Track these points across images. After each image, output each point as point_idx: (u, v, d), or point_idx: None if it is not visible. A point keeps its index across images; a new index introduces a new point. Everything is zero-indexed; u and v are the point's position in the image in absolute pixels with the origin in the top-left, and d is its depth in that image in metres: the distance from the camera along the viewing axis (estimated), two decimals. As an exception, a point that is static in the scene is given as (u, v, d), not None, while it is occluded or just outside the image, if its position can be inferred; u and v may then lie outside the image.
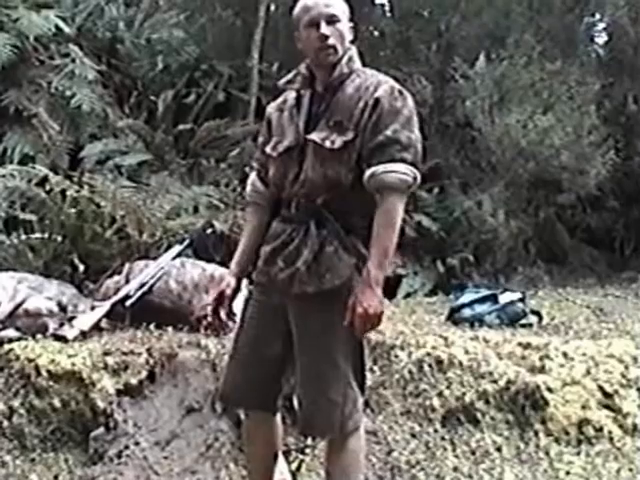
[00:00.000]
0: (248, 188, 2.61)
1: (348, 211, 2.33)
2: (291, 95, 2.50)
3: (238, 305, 2.58)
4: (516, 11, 7.42)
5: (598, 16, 8.14)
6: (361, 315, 2.22)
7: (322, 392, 2.33)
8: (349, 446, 2.41)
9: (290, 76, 2.47)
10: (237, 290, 2.53)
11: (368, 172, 2.28)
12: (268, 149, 2.47)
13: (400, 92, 2.34)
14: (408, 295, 5.88)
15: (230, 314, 2.55)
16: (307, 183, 2.34)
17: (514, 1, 7.46)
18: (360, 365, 2.41)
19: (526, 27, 7.26)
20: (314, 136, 2.35)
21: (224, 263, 3.89)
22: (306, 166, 2.35)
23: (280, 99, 2.56)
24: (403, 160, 2.27)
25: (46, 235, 4.29)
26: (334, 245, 2.30)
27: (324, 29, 2.31)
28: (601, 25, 8.28)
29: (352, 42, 2.43)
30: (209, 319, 2.85)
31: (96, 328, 3.47)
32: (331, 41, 2.32)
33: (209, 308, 2.62)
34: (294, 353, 2.40)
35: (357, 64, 2.41)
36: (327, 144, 2.31)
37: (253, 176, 2.60)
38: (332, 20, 2.33)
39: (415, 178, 2.29)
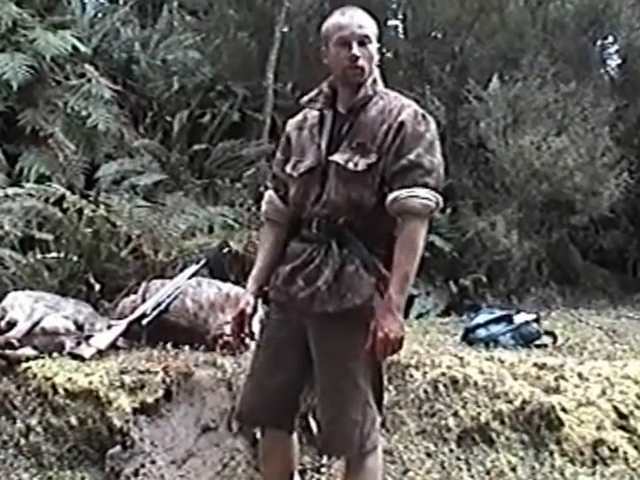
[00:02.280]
0: (265, 206, 2.60)
1: (368, 231, 2.34)
2: (311, 114, 2.50)
3: (255, 324, 2.60)
4: (530, 33, 7.41)
5: (612, 38, 8.12)
6: (382, 339, 2.24)
7: (342, 411, 2.34)
8: (367, 465, 2.41)
9: (312, 94, 2.47)
10: (256, 308, 2.53)
11: (391, 196, 2.29)
12: (288, 168, 2.47)
13: (423, 116, 2.36)
14: (420, 315, 5.86)
15: (249, 333, 2.55)
16: (329, 204, 2.35)
17: (528, 23, 7.46)
18: (379, 384, 2.42)
19: (540, 49, 7.25)
20: (337, 157, 2.35)
21: (239, 282, 3.91)
22: (328, 187, 2.36)
23: (299, 117, 2.55)
24: (425, 185, 2.29)
25: (62, 254, 4.28)
26: (355, 264, 2.31)
27: (355, 50, 2.32)
28: (615, 47, 8.27)
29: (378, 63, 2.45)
30: (228, 338, 2.87)
31: (113, 347, 3.47)
32: (360, 62, 2.33)
33: (228, 327, 2.61)
34: (314, 372, 2.41)
35: (380, 86, 2.42)
36: (350, 166, 2.33)
37: (271, 194, 2.59)
38: (364, 41, 2.34)
39: (437, 203, 2.31)
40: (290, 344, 2.44)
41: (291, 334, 2.43)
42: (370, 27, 2.37)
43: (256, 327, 2.60)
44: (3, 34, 6.10)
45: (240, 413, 2.61)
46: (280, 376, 2.44)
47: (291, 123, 2.57)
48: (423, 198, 2.28)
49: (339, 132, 2.40)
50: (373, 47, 2.37)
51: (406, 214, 2.28)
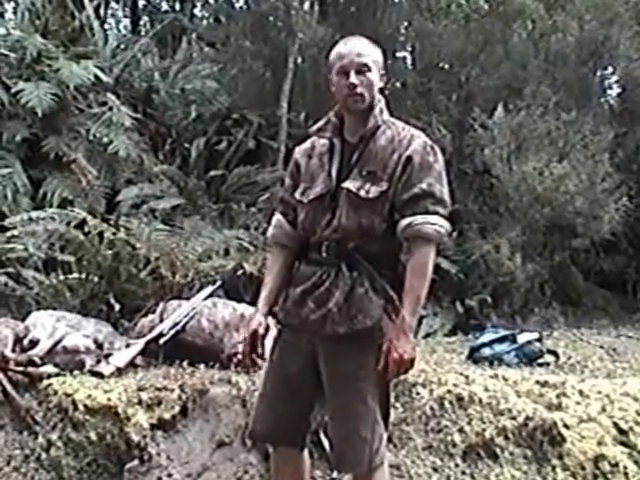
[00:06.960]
0: (274, 230, 2.63)
1: (376, 255, 2.39)
2: (319, 142, 2.53)
3: (267, 344, 2.61)
4: (533, 63, 7.49)
5: (611, 69, 8.21)
6: (396, 360, 2.29)
7: (353, 430, 2.39)
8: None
9: (321, 124, 2.51)
10: (268, 328, 2.55)
11: (404, 222, 2.35)
12: (297, 194, 2.52)
13: (432, 147, 2.42)
14: (428, 335, 5.87)
15: (261, 354, 2.58)
16: (340, 229, 2.40)
17: (530, 54, 7.54)
18: (385, 402, 2.47)
19: (542, 79, 7.34)
20: (349, 185, 2.40)
21: (254, 303, 3.95)
22: (339, 213, 2.40)
23: (307, 145, 2.59)
24: (436, 212, 2.35)
25: (83, 275, 4.34)
26: (365, 286, 2.36)
27: (353, 78, 2.37)
28: (614, 77, 8.37)
29: (384, 89, 2.48)
30: (240, 357, 2.90)
31: (131, 365, 3.52)
32: (359, 89, 2.38)
33: (241, 346, 2.67)
34: (325, 392, 2.45)
35: (386, 115, 2.47)
36: (362, 193, 2.38)
37: (279, 218, 2.62)
38: (362, 70, 2.38)
39: (447, 230, 2.38)
40: (301, 365, 2.47)
41: (301, 355, 2.47)
42: (369, 55, 2.41)
43: (268, 347, 2.61)
44: (29, 64, 6.21)
45: (253, 431, 2.65)
46: (292, 398, 2.49)
47: (299, 150, 2.62)
48: (436, 225, 2.34)
49: (349, 160, 2.44)
50: (373, 75, 2.41)
51: (419, 239, 2.33)
